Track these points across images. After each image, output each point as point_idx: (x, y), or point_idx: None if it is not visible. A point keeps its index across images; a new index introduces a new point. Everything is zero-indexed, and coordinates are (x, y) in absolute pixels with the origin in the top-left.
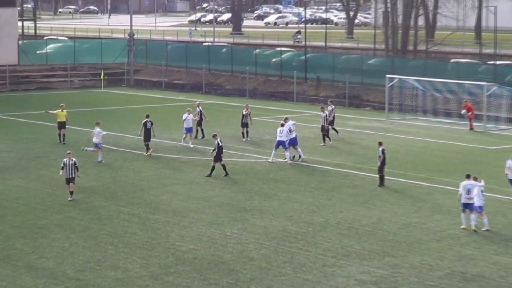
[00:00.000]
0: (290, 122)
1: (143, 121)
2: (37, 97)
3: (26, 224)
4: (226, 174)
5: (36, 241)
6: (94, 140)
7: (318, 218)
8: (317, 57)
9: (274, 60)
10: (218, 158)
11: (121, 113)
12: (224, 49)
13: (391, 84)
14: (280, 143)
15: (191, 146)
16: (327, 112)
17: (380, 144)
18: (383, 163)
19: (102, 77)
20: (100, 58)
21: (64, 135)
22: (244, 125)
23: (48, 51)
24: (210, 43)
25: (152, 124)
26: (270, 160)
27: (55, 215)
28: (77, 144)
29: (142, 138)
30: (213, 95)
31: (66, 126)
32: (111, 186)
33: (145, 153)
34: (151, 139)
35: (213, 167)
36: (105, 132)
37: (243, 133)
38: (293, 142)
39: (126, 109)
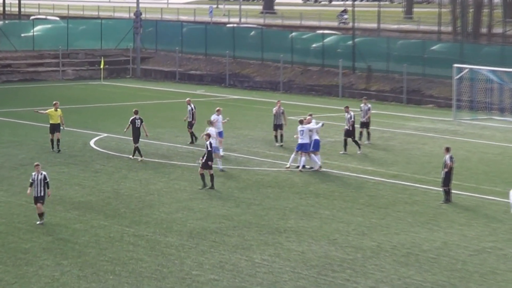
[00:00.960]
0: (315, 124)
1: (131, 118)
2: (22, 91)
3: (8, 248)
4: (212, 187)
5: (20, 268)
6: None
7: (369, 242)
8: (368, 42)
9: (314, 45)
10: (207, 165)
11: (125, 111)
12: (252, 32)
13: (459, 75)
14: (303, 146)
15: (222, 154)
16: (352, 113)
17: (447, 150)
18: (449, 174)
19: (101, 67)
20: (100, 43)
21: (58, 140)
22: (277, 126)
23: (35, 34)
24: (235, 25)
25: (142, 122)
26: (287, 166)
27: (43, 236)
28: (70, 149)
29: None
30: (239, 88)
31: (61, 129)
32: (112, 201)
33: (131, 156)
34: (140, 139)
35: (202, 175)
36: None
37: (276, 136)
38: (316, 147)
39: (131, 106)
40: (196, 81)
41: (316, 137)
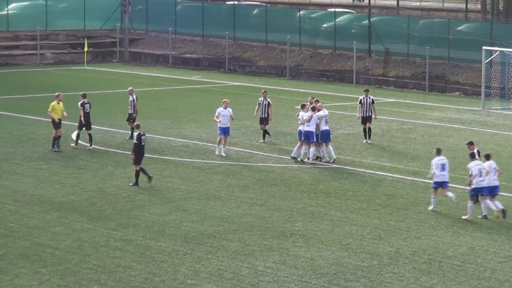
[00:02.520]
0: (323, 112)
1: (80, 102)
2: None
3: None
4: (136, 183)
5: None
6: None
7: (386, 247)
8: (386, 21)
9: (325, 26)
10: (139, 159)
11: (112, 100)
12: (255, 10)
13: (489, 59)
14: (308, 134)
15: (224, 154)
16: (371, 97)
17: (471, 144)
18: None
19: (85, 50)
20: (83, 23)
21: (59, 138)
22: (263, 120)
23: (9, 12)
24: (235, 2)
25: (91, 107)
26: (292, 155)
27: (20, 241)
28: (49, 143)
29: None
30: (240, 74)
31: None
32: (97, 201)
33: (89, 146)
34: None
35: (137, 172)
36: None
37: (265, 131)
38: (325, 137)
39: (118, 94)
40: (191, 66)
41: (325, 127)
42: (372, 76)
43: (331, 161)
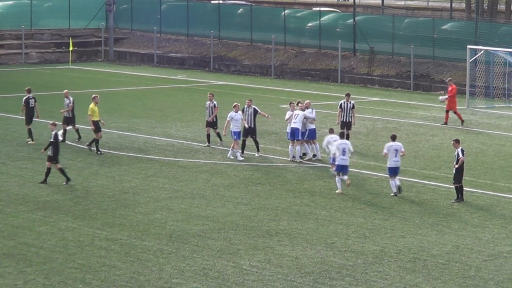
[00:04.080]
0: (311, 114)
1: (24, 98)
2: None
3: None
4: (67, 180)
5: None
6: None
7: (371, 246)
8: (371, 20)
9: (310, 25)
10: (54, 157)
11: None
12: (240, 9)
13: (474, 58)
14: (294, 131)
15: (241, 158)
16: (353, 102)
17: (457, 142)
18: (461, 169)
19: (70, 49)
20: (68, 22)
21: (98, 141)
22: (209, 124)
23: None
24: (220, 1)
25: (36, 101)
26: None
27: (4, 241)
28: (34, 142)
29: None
30: (225, 73)
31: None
32: (82, 200)
33: (30, 141)
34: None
35: (49, 170)
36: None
37: (208, 135)
38: (312, 135)
39: (103, 94)
40: (176, 65)
41: (312, 126)
42: (357, 75)
43: (314, 158)
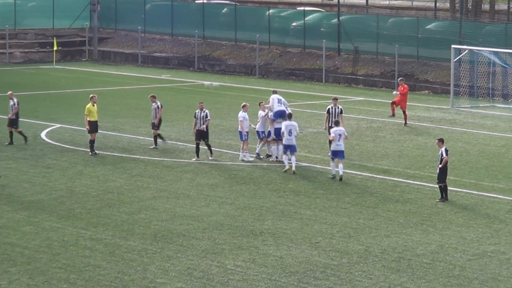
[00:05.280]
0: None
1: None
2: None
3: None
4: None
5: None
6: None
7: (356, 246)
8: (355, 20)
9: (294, 24)
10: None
11: (81, 99)
12: (224, 9)
13: (458, 58)
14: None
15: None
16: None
17: (441, 142)
18: (445, 168)
19: (54, 48)
20: (52, 22)
21: (93, 141)
22: (153, 125)
23: None
24: (205, 1)
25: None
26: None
27: None
28: (18, 142)
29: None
30: (209, 72)
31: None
32: (66, 200)
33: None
34: None
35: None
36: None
37: (156, 137)
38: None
39: (87, 93)
40: (161, 65)
41: (278, 126)
42: (342, 74)
43: (273, 158)
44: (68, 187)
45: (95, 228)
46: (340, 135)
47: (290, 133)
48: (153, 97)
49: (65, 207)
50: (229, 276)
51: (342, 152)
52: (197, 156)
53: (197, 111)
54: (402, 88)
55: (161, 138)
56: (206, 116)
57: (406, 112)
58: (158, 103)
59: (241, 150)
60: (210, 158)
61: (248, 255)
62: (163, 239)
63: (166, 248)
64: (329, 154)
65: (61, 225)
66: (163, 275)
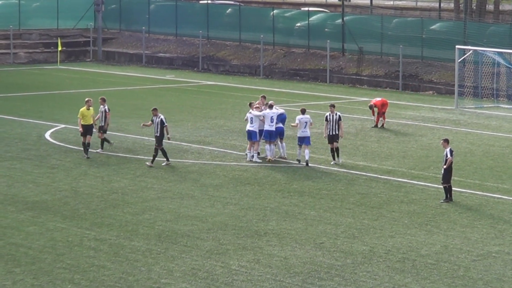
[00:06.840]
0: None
1: None
2: None
3: None
4: None
5: None
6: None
7: (360, 246)
8: (359, 20)
9: (298, 24)
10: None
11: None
12: (229, 10)
13: (462, 58)
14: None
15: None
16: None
17: (446, 142)
18: (450, 169)
19: (58, 49)
20: (56, 22)
21: (89, 144)
22: (101, 128)
23: None
24: (209, 1)
25: None
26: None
27: None
28: (23, 142)
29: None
30: (214, 73)
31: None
32: (70, 200)
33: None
34: None
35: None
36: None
37: (103, 140)
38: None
39: (92, 94)
40: (165, 65)
41: (269, 128)
42: (346, 75)
43: (271, 158)
44: (72, 188)
45: (100, 228)
46: (306, 122)
47: (271, 120)
48: (102, 99)
49: (69, 207)
50: (234, 276)
51: (308, 138)
52: (152, 160)
53: (153, 117)
54: (381, 102)
55: (107, 141)
56: (162, 123)
57: (383, 116)
58: (106, 107)
59: (251, 150)
60: (163, 164)
61: (252, 256)
62: (168, 240)
63: (170, 248)
64: (297, 143)
65: (66, 225)
66: (167, 276)
